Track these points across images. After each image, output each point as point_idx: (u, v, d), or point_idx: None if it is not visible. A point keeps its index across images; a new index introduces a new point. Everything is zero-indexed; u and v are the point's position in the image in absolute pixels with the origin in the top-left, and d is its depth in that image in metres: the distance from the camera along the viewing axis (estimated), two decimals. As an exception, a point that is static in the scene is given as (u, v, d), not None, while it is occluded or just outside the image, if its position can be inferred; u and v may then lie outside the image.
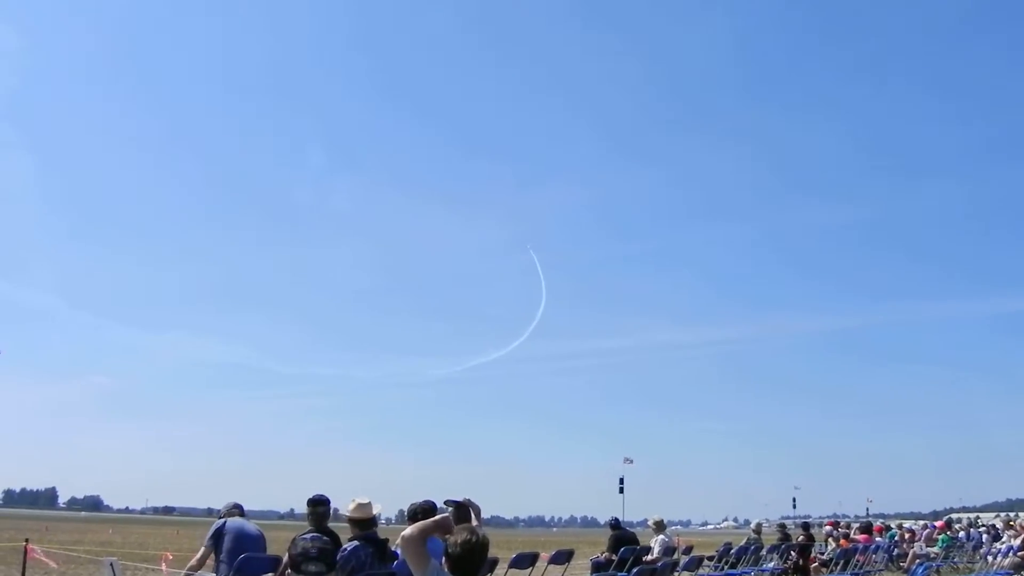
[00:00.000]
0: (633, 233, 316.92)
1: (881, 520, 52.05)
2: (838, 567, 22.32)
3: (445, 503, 7.44)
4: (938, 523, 39.42)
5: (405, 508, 9.20)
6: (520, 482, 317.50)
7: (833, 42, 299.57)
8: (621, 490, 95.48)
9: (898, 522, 48.56)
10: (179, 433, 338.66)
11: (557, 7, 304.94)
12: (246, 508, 11.07)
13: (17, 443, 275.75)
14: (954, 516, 68.50)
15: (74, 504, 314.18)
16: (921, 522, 45.59)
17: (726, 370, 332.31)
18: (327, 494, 9.74)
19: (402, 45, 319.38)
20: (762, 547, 21.84)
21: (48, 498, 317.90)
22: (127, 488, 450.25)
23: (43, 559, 20.24)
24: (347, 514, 8.91)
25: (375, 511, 9.09)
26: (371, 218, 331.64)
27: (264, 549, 10.58)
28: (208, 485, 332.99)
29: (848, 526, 35.14)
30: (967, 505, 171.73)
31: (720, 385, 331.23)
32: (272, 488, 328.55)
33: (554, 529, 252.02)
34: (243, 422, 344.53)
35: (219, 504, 10.99)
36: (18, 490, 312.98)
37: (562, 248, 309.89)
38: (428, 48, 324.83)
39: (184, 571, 10.86)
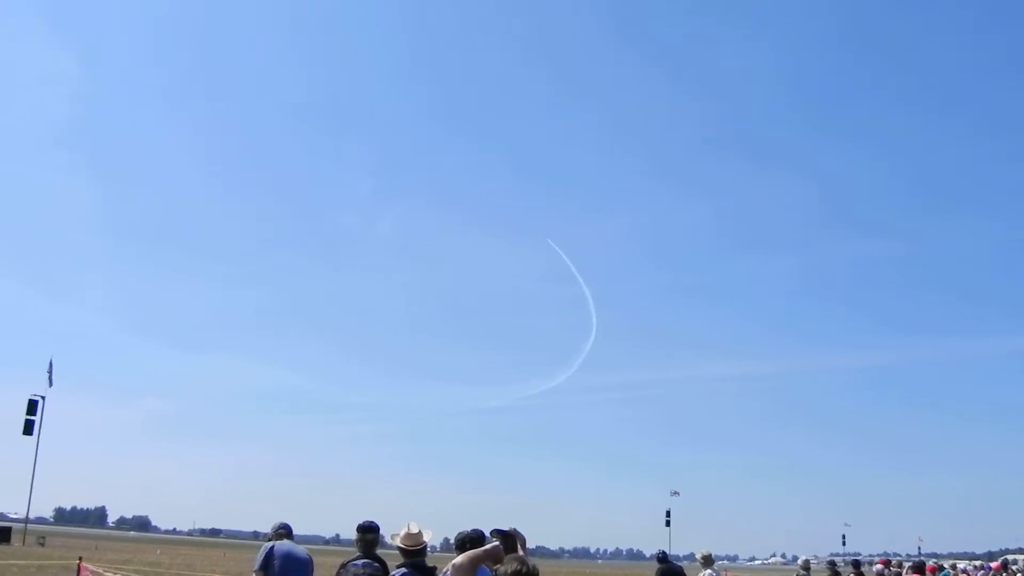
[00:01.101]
0: (677, 264, 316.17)
1: (934, 560, 51.06)
2: (889, 606, 21.93)
3: (492, 533, 7.42)
4: (994, 564, 38.61)
5: (451, 536, 9.22)
6: (565, 513, 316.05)
7: (878, 75, 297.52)
8: (668, 523, 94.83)
9: (951, 562, 47.52)
10: (228, 456, 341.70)
11: (609, 38, 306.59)
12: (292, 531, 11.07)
13: (70, 462, 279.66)
14: (1010, 557, 67.02)
15: (123, 523, 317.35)
16: (976, 562, 44.65)
17: (771, 404, 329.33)
18: (375, 520, 9.78)
19: (454, 73, 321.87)
20: (811, 584, 21.50)
21: (98, 517, 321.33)
22: (175, 509, 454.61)
23: (95, 577, 20.48)
24: (398, 543, 8.96)
25: (426, 539, 9.13)
26: (420, 245, 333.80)
27: (312, 574, 10.59)
28: (255, 508, 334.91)
29: (900, 565, 34.50)
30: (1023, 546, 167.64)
31: (765, 419, 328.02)
32: (319, 512, 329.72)
33: (599, 561, 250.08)
34: (291, 446, 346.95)
35: (265, 527, 11.05)
36: (69, 508, 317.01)
37: (607, 278, 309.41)
38: (480, 76, 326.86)
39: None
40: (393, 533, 9.25)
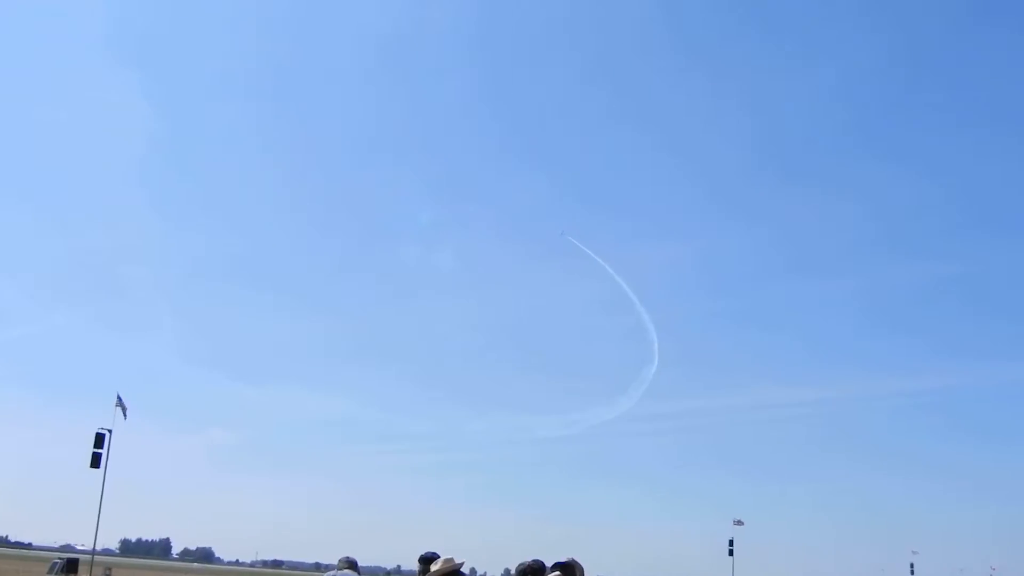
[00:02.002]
0: (732, 290, 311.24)
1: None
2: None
3: (554, 566, 7.54)
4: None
5: (512, 567, 9.35)
6: (624, 543, 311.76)
7: (932, 95, 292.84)
8: (731, 552, 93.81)
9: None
10: (291, 486, 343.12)
11: (663, 60, 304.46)
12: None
13: (135, 494, 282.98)
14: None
15: (186, 555, 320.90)
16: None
17: (828, 432, 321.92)
18: (436, 551, 9.92)
19: (510, 100, 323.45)
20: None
21: (162, 548, 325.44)
22: (238, 540, 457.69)
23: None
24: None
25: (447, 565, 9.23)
26: (479, 274, 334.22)
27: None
28: (317, 539, 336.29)
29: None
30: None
31: (823, 447, 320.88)
32: (380, 543, 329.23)
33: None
34: (354, 476, 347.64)
35: (327, 558, 11.24)
36: (134, 540, 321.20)
37: (662, 305, 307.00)
38: (536, 101, 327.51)
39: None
40: (447, 558, 9.41)
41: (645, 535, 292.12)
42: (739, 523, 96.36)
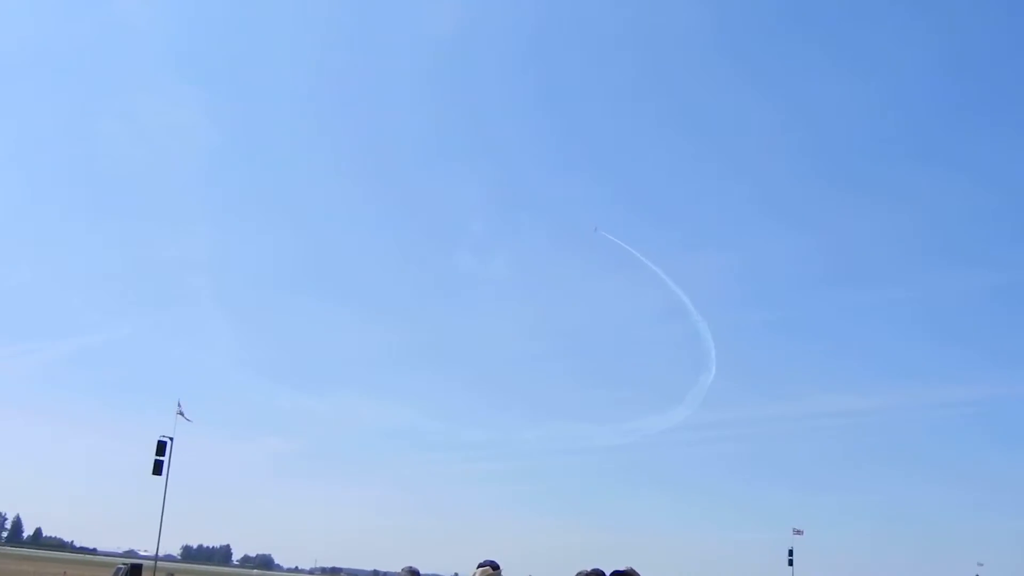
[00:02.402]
0: (780, 300, 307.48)
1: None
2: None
3: (612, 574, 7.46)
4: None
5: (570, 575, 9.25)
6: (681, 552, 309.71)
7: (979, 103, 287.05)
8: (791, 562, 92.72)
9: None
10: (349, 493, 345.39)
11: (712, 68, 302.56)
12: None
13: (196, 501, 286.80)
14: None
15: (246, 562, 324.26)
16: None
17: (878, 443, 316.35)
18: (494, 558, 9.85)
19: (568, 108, 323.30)
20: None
21: (223, 555, 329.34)
22: (297, 547, 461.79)
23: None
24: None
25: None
26: (534, 282, 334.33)
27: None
28: (375, 546, 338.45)
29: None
30: None
31: (874, 458, 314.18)
32: (438, 551, 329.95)
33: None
34: (410, 483, 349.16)
35: (385, 565, 11.24)
36: (195, 546, 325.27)
37: (711, 314, 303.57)
38: (593, 110, 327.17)
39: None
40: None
41: (703, 545, 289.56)
42: (798, 532, 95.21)
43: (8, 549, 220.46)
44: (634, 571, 7.84)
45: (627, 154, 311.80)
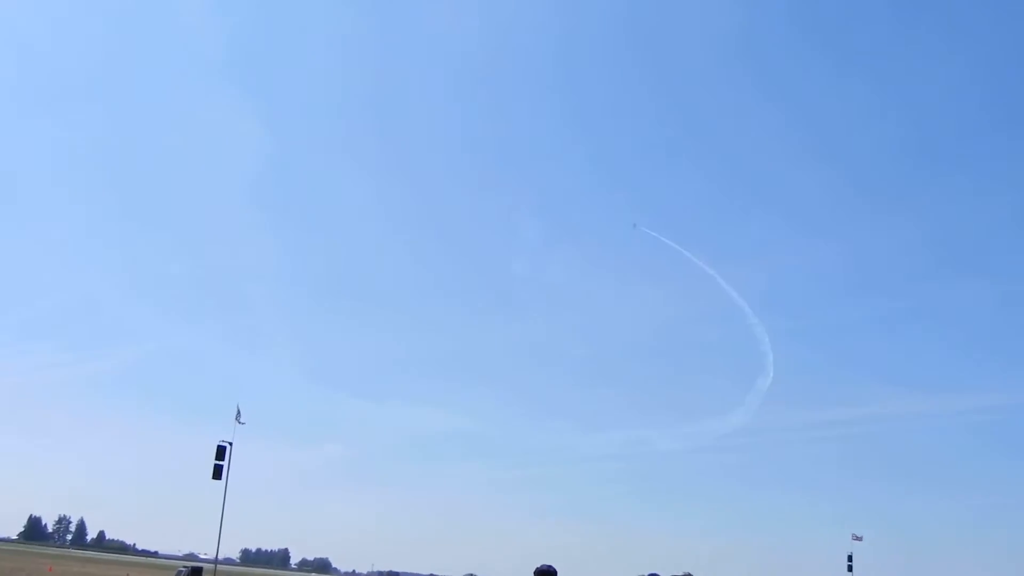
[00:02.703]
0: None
1: None
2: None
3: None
4: None
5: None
6: (738, 557, 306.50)
7: (1005, 114, 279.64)
8: (850, 568, 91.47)
9: None
10: (404, 499, 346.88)
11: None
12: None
13: (255, 505, 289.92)
14: None
15: (304, 565, 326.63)
16: None
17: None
18: (551, 563, 9.85)
19: (605, 121, 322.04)
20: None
21: (281, 559, 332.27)
22: (354, 551, 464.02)
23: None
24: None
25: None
26: (586, 288, 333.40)
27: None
28: (430, 551, 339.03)
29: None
30: None
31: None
32: (493, 556, 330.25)
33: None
34: (465, 490, 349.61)
35: (440, 570, 11.24)
36: (254, 550, 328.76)
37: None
38: (625, 119, 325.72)
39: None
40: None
41: (760, 549, 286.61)
42: (858, 538, 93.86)
43: (73, 551, 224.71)
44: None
45: (650, 164, 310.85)
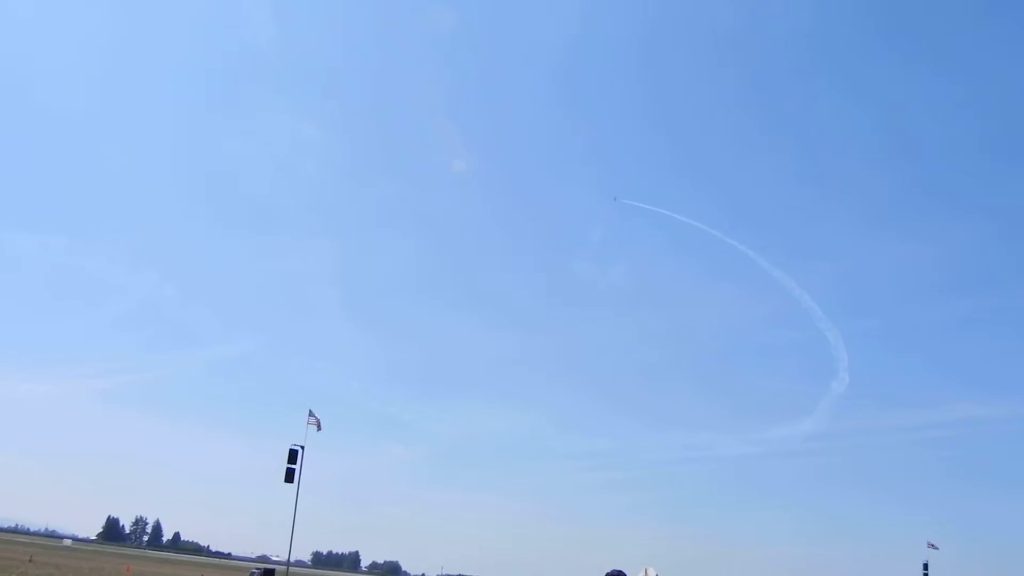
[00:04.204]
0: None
1: None
2: None
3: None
4: None
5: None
6: (807, 565, 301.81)
7: None
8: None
9: None
10: (472, 501, 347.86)
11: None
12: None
13: (327, 508, 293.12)
14: None
15: (374, 568, 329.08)
16: None
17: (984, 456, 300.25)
18: (621, 568, 9.83)
19: (680, 116, 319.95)
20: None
21: (351, 561, 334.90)
22: (424, 554, 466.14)
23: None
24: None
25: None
26: (652, 289, 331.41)
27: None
28: (500, 554, 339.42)
29: None
30: None
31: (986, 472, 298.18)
32: (563, 559, 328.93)
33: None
34: (533, 491, 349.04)
35: (509, 573, 11.26)
36: (325, 552, 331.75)
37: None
38: (701, 119, 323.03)
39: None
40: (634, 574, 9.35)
41: (831, 558, 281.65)
42: (933, 547, 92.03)
43: (149, 552, 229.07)
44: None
45: (728, 160, 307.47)
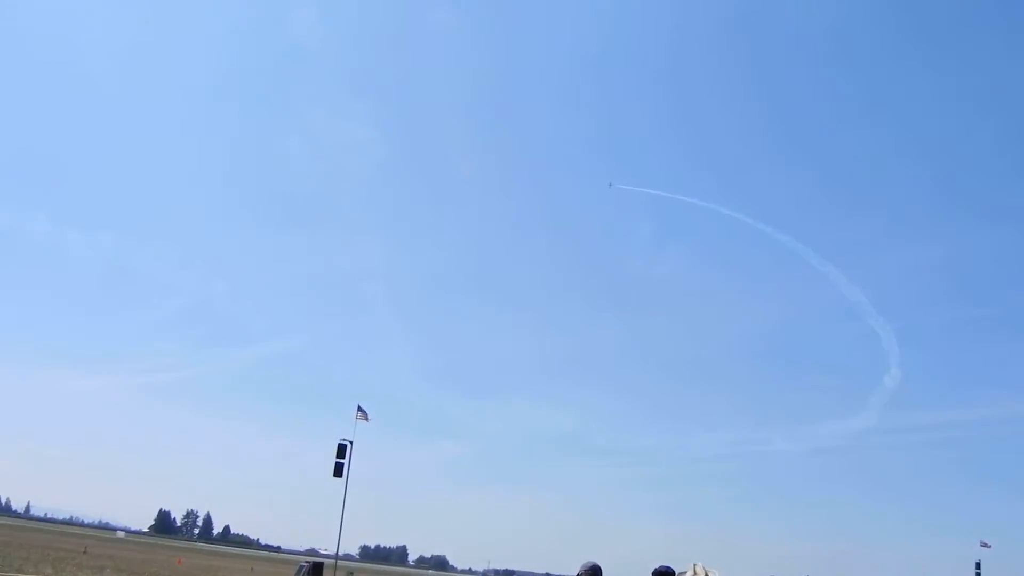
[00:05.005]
0: (980, 295, 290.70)
1: None
2: None
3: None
4: None
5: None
6: (859, 561, 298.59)
7: None
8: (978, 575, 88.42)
9: None
10: (519, 497, 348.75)
11: (901, 47, 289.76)
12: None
13: (375, 502, 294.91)
14: None
15: (422, 562, 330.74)
16: None
17: None
18: (669, 564, 9.77)
19: (760, 96, 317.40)
20: None
21: (399, 555, 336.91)
22: (471, 549, 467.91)
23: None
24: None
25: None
26: (700, 286, 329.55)
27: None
28: (546, 549, 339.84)
29: None
30: None
31: None
32: (608, 556, 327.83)
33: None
34: (579, 488, 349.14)
35: (556, 568, 11.26)
36: (373, 546, 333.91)
37: (907, 310, 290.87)
38: (797, 95, 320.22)
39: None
40: (681, 571, 9.31)
41: (881, 553, 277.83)
42: (986, 545, 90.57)
43: (200, 545, 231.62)
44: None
45: (754, 165, 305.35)
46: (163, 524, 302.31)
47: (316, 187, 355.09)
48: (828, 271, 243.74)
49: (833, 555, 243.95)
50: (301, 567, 70.88)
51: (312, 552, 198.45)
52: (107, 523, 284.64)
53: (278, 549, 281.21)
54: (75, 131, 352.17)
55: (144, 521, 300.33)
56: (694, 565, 9.39)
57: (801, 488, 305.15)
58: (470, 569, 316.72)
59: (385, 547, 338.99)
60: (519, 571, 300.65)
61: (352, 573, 77.32)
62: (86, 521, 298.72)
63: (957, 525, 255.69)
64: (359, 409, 66.04)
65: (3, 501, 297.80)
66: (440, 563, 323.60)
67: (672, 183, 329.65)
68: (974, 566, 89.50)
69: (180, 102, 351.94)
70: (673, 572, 9.63)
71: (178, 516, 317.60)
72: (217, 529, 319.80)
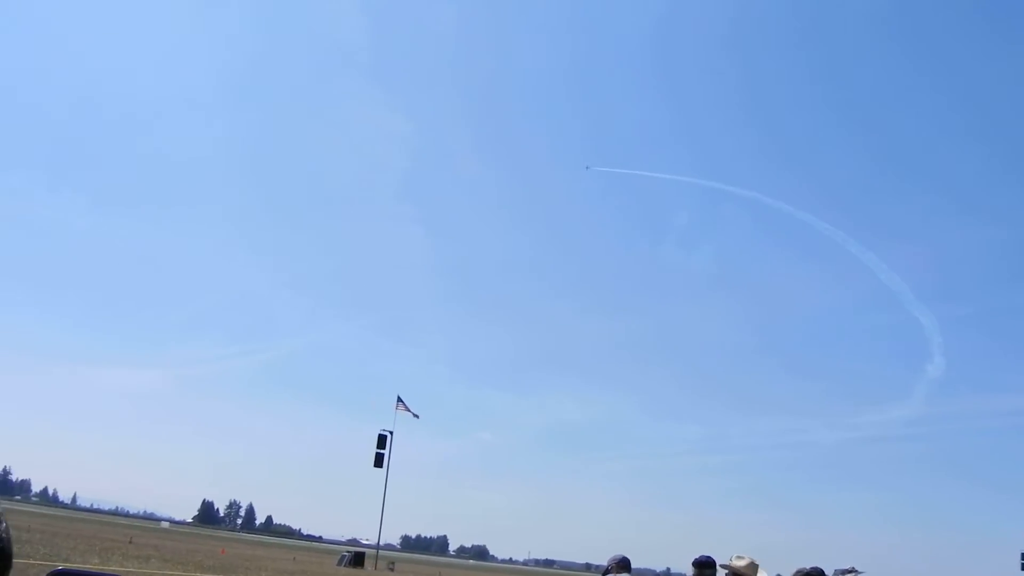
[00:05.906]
0: None
1: None
2: None
3: (836, 572, 7.24)
4: None
5: (786, 574, 9.06)
6: (898, 551, 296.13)
7: None
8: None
9: None
10: (559, 487, 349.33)
11: (966, 27, 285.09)
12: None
13: (414, 493, 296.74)
14: None
15: (462, 552, 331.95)
16: None
17: None
18: (709, 554, 9.70)
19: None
20: None
21: (440, 545, 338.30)
22: (511, 539, 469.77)
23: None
24: (738, 569, 8.84)
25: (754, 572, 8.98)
26: (739, 274, 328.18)
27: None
28: (587, 539, 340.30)
29: None
30: None
31: None
32: (650, 545, 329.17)
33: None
34: (621, 477, 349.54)
35: (596, 559, 11.23)
36: (414, 536, 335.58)
37: (968, 292, 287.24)
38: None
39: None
40: (722, 564, 9.23)
41: (930, 543, 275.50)
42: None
43: (243, 535, 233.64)
44: (855, 569, 7.61)
45: (810, 144, 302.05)
46: (206, 515, 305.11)
47: (360, 176, 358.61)
48: (860, 263, 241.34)
49: (882, 543, 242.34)
50: (343, 556, 71.55)
51: (353, 542, 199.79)
52: (152, 514, 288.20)
53: (319, 539, 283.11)
54: (115, 130, 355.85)
55: (188, 512, 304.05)
56: (732, 558, 9.32)
57: (849, 475, 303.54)
58: (511, 558, 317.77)
59: (426, 537, 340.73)
60: (559, 560, 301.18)
61: (393, 564, 77.68)
62: (131, 512, 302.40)
63: (1004, 515, 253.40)
64: (399, 400, 66.38)
65: (50, 492, 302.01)
66: (480, 553, 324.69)
67: (734, 167, 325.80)
68: (1020, 555, 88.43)
69: (203, 92, 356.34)
70: (714, 562, 9.56)
71: (221, 507, 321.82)
72: (259, 519, 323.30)
